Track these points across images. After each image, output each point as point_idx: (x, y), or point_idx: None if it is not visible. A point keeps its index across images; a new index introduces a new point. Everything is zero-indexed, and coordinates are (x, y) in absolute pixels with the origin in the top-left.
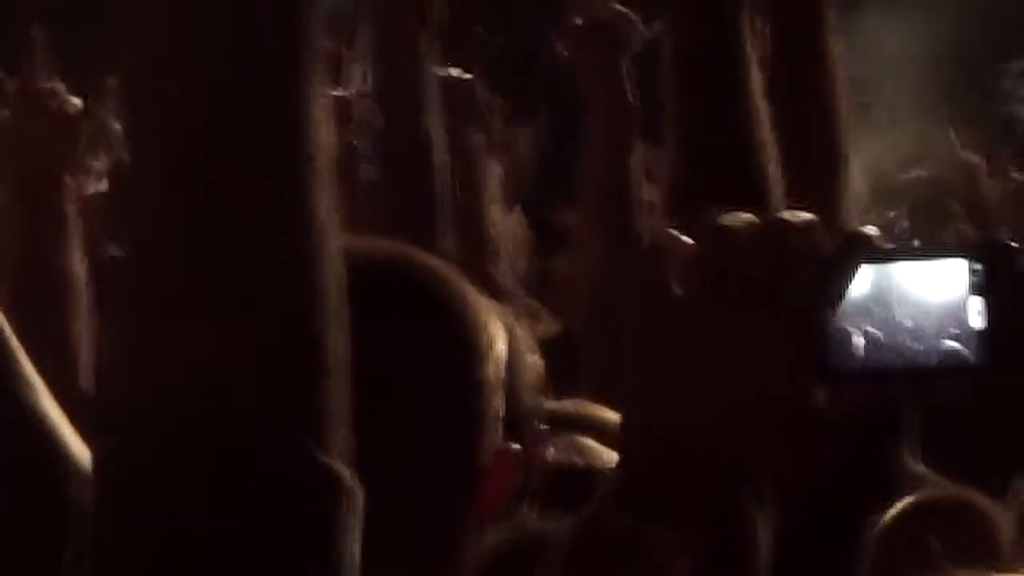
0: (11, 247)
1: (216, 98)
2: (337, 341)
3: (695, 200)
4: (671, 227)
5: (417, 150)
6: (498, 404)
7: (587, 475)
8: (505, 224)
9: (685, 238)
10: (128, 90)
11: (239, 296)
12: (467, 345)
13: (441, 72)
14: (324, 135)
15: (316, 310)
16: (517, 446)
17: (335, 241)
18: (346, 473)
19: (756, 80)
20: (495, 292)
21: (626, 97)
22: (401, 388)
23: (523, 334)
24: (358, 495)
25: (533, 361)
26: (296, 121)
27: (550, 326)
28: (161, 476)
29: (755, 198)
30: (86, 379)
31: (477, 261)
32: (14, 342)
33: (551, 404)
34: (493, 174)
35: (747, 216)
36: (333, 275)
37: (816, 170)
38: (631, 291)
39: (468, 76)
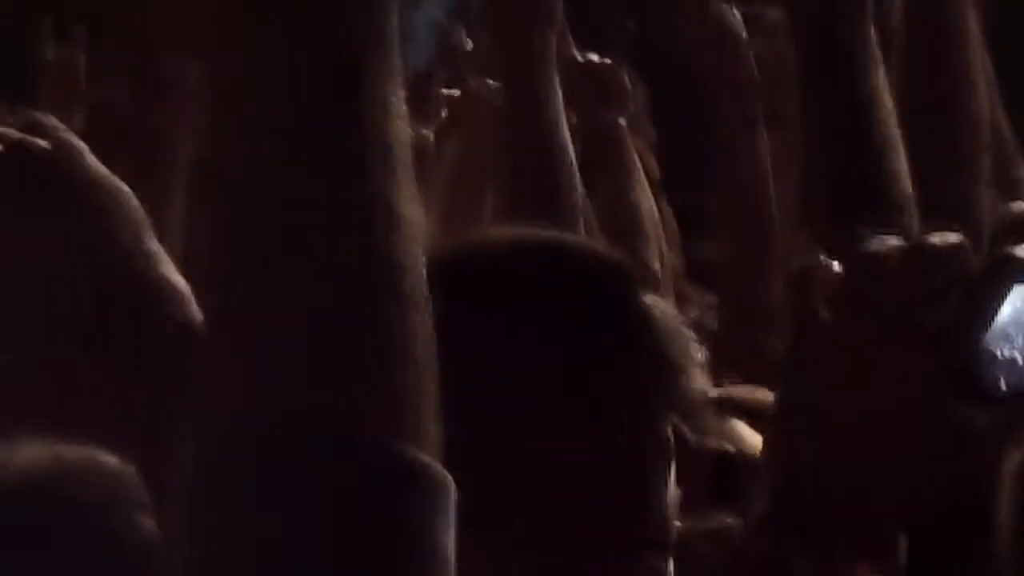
0: None
1: (293, 93)
2: (422, 333)
3: (824, 209)
4: (819, 252)
5: (544, 139)
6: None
7: (737, 462)
8: (652, 210)
9: (834, 264)
10: (208, 86)
11: (321, 292)
12: (637, 331)
13: (582, 57)
14: (402, 128)
15: (400, 303)
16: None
17: (418, 235)
18: (435, 465)
19: (882, 78)
20: (650, 279)
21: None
22: (576, 382)
23: (683, 323)
24: (449, 487)
25: (693, 348)
26: (374, 114)
27: (702, 313)
28: (252, 477)
29: (888, 207)
30: None
31: (628, 249)
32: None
33: (721, 391)
34: (636, 159)
35: (895, 241)
36: (417, 270)
37: (955, 180)
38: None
39: (610, 61)
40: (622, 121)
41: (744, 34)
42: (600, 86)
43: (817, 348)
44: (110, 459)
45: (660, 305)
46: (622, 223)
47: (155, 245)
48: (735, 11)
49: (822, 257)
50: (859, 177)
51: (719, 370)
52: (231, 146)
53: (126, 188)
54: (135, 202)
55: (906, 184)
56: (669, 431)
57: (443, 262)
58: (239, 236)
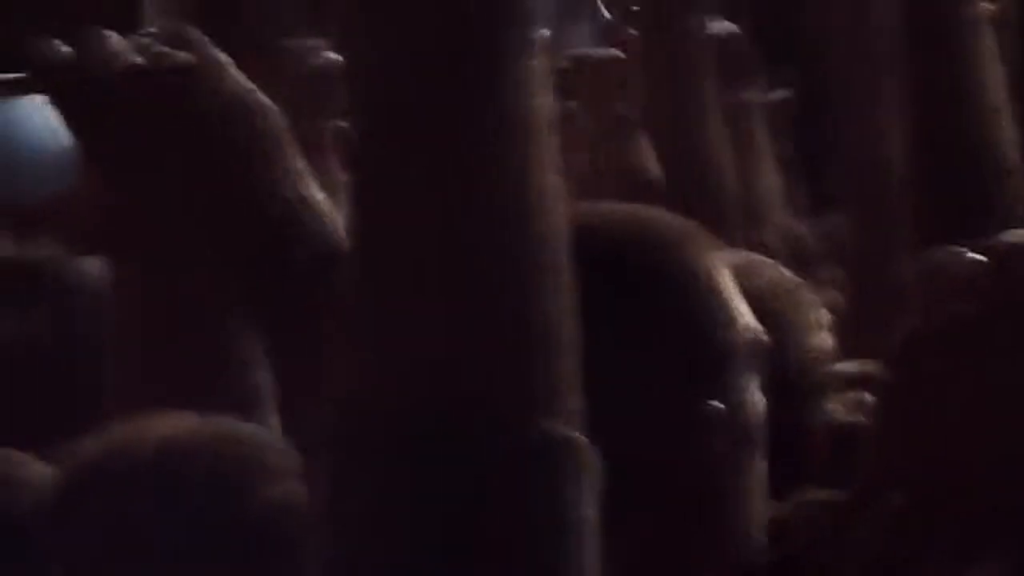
0: None
1: (433, 72)
2: (566, 310)
3: (930, 198)
4: (953, 246)
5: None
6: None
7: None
8: (777, 186)
9: (971, 257)
10: (350, 69)
11: (464, 269)
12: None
13: (709, 26)
14: (543, 101)
15: (543, 277)
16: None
17: (560, 212)
18: (577, 436)
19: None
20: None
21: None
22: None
23: (809, 300)
24: (593, 460)
25: (819, 332)
26: (514, 89)
27: (831, 293)
28: (395, 453)
29: (992, 196)
30: None
31: (753, 226)
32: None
33: (842, 365)
34: (763, 134)
35: None
36: (560, 245)
37: None
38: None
39: (736, 30)
40: (750, 94)
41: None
42: (728, 58)
43: (948, 339)
44: (249, 427)
45: (782, 288)
46: (750, 200)
47: (299, 163)
48: None
49: (954, 249)
50: (969, 147)
51: (851, 346)
52: (374, 125)
53: (271, 104)
54: (279, 119)
55: (1014, 152)
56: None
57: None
58: (385, 212)
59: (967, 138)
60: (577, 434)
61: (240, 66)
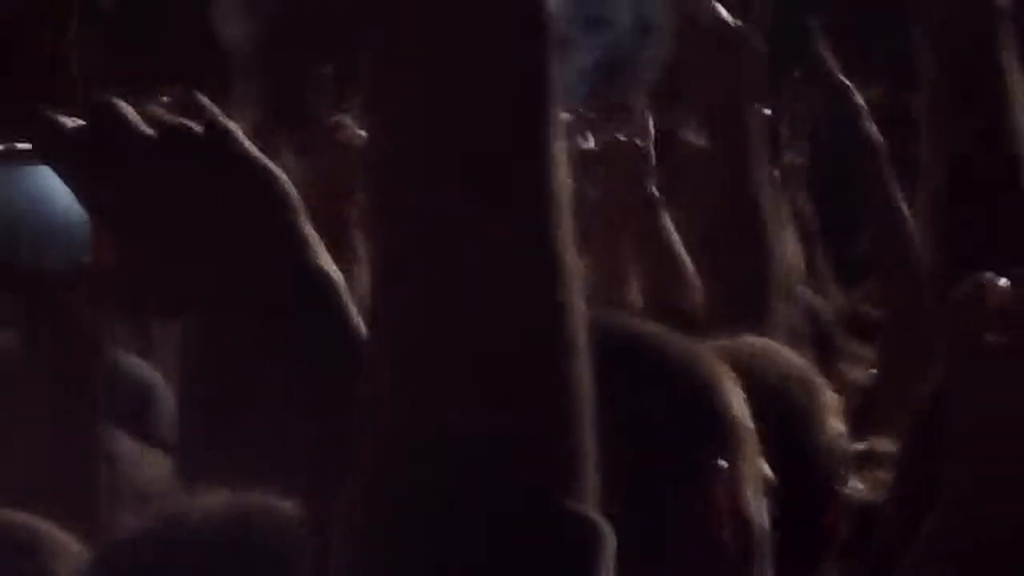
0: None
1: (475, 144)
2: (584, 385)
3: (963, 233)
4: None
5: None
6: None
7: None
8: (797, 257)
9: (1003, 283)
10: (378, 128)
11: (486, 343)
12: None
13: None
14: (566, 178)
15: (564, 351)
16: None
17: (580, 284)
18: (599, 520)
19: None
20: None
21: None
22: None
23: (821, 385)
24: (610, 539)
25: (832, 416)
26: (545, 164)
27: (862, 369)
28: (412, 525)
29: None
30: None
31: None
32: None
33: (862, 444)
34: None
35: None
36: (581, 325)
37: None
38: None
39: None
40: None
41: None
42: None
43: (984, 374)
44: (285, 504)
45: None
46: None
47: (310, 230)
48: None
49: (986, 278)
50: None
51: (872, 423)
52: (412, 189)
53: (281, 172)
54: (290, 186)
55: None
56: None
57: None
58: (415, 278)
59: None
60: (596, 514)
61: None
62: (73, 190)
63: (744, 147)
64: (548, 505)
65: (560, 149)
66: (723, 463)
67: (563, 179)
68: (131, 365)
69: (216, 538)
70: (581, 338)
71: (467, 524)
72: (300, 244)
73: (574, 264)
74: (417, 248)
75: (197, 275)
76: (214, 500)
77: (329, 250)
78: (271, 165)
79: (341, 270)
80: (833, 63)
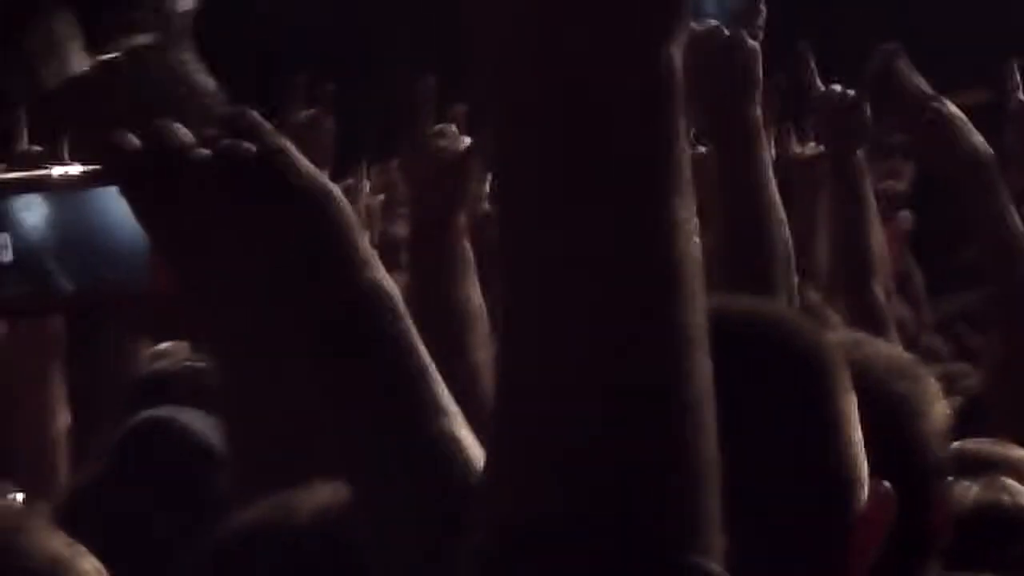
0: (410, 287)
1: (574, 209)
2: (709, 439)
3: None
4: None
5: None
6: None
7: (1013, 515)
8: (880, 247)
9: None
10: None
11: (612, 403)
12: (821, 407)
13: (824, 88)
14: (688, 242)
15: (688, 419)
16: (887, 484)
17: (703, 349)
18: (721, 572)
19: None
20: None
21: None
22: (759, 452)
23: (925, 380)
24: None
25: (937, 409)
26: (661, 228)
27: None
28: None
29: None
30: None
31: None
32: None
33: (969, 445)
34: (871, 195)
35: None
36: (704, 378)
37: None
38: None
39: (852, 93)
40: (860, 154)
41: None
42: (840, 118)
43: None
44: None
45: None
46: (850, 255)
47: (367, 248)
48: None
49: None
50: None
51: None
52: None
53: (337, 190)
54: (347, 204)
55: None
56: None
57: None
58: (545, 348)
59: None
60: (720, 570)
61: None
62: (134, 213)
63: (746, 147)
64: (676, 561)
65: (690, 207)
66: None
67: (692, 237)
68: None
69: (325, 533)
70: (709, 396)
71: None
72: (356, 260)
73: (700, 325)
74: (541, 311)
75: (254, 298)
76: (323, 495)
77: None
78: (326, 182)
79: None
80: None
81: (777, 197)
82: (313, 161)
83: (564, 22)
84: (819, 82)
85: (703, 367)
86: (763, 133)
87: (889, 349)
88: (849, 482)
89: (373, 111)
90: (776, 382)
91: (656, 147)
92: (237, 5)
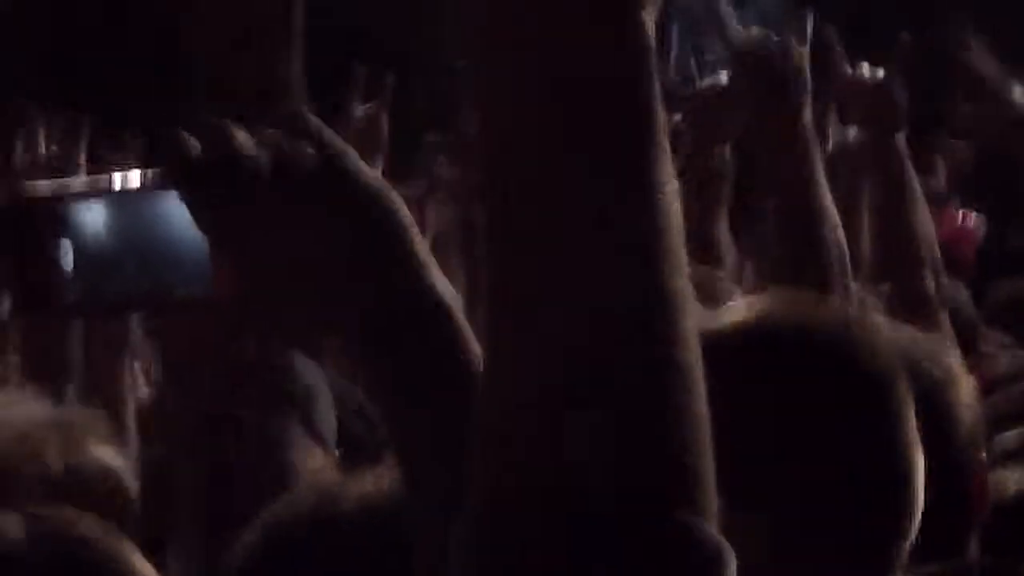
0: None
1: (589, 184)
2: (702, 406)
3: None
4: None
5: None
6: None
7: None
8: (930, 234)
9: None
10: (488, 155)
11: (614, 369)
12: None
13: (854, 72)
14: (670, 206)
15: (682, 378)
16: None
17: (692, 311)
18: (720, 538)
19: None
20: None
21: None
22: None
23: (949, 357)
24: (732, 558)
25: (963, 384)
26: (657, 197)
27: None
28: (535, 549)
29: None
30: None
31: (899, 271)
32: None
33: (1010, 434)
34: (915, 180)
35: None
36: (695, 345)
37: None
38: None
39: (882, 75)
40: (900, 137)
41: None
42: (873, 102)
43: None
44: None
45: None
46: (896, 244)
47: (426, 253)
48: None
49: None
50: None
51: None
52: (521, 221)
53: (395, 194)
54: (404, 208)
55: None
56: None
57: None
58: (535, 317)
59: None
60: (716, 532)
61: None
62: (193, 216)
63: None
64: (669, 523)
65: (668, 175)
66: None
67: (673, 204)
68: (300, 364)
69: (370, 518)
70: (699, 365)
71: (587, 541)
72: (417, 266)
73: (685, 291)
74: (529, 281)
75: (315, 302)
76: (367, 482)
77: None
78: (385, 186)
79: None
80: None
81: (829, 200)
82: (368, 156)
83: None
84: (847, 65)
85: (691, 330)
86: (814, 138)
87: (911, 332)
88: (908, 481)
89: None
90: (839, 396)
91: (636, 112)
92: None
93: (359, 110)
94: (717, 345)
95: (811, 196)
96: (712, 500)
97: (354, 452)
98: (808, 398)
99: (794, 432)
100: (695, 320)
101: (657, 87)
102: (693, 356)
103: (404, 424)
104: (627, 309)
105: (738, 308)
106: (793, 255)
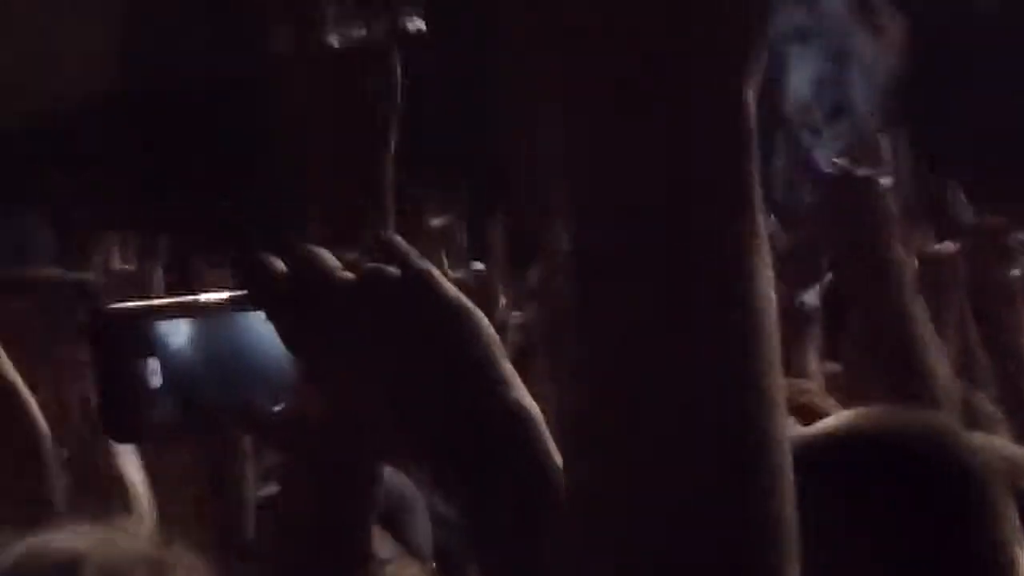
0: None
1: (672, 271)
2: (789, 511)
3: None
4: None
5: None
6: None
7: None
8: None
9: None
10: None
11: (696, 470)
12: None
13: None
14: (767, 289)
15: (771, 479)
16: None
17: (784, 416)
18: None
19: None
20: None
21: None
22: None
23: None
24: None
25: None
26: (747, 284)
27: None
28: None
29: None
30: None
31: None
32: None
33: None
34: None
35: None
36: (784, 446)
37: None
38: None
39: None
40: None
41: None
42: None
43: None
44: None
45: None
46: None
47: (508, 368)
48: None
49: None
50: None
51: None
52: (608, 325)
53: (478, 311)
54: (487, 324)
55: None
56: None
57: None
58: (610, 410)
59: None
60: None
61: None
62: (280, 338)
63: None
64: None
65: (763, 263)
66: None
67: (766, 294)
68: (389, 474)
69: None
70: (787, 466)
71: None
72: (500, 382)
73: (777, 390)
74: (613, 382)
75: (399, 420)
76: None
77: None
78: (468, 304)
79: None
80: None
81: (930, 328)
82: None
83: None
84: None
85: (782, 430)
86: (909, 269)
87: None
88: None
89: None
90: (942, 501)
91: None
92: None
93: (435, 222)
94: (824, 450)
95: (909, 327)
96: None
97: (451, 565)
98: (908, 500)
99: (895, 534)
100: (785, 421)
101: (755, 171)
102: (785, 457)
103: (487, 541)
104: (714, 410)
105: (845, 417)
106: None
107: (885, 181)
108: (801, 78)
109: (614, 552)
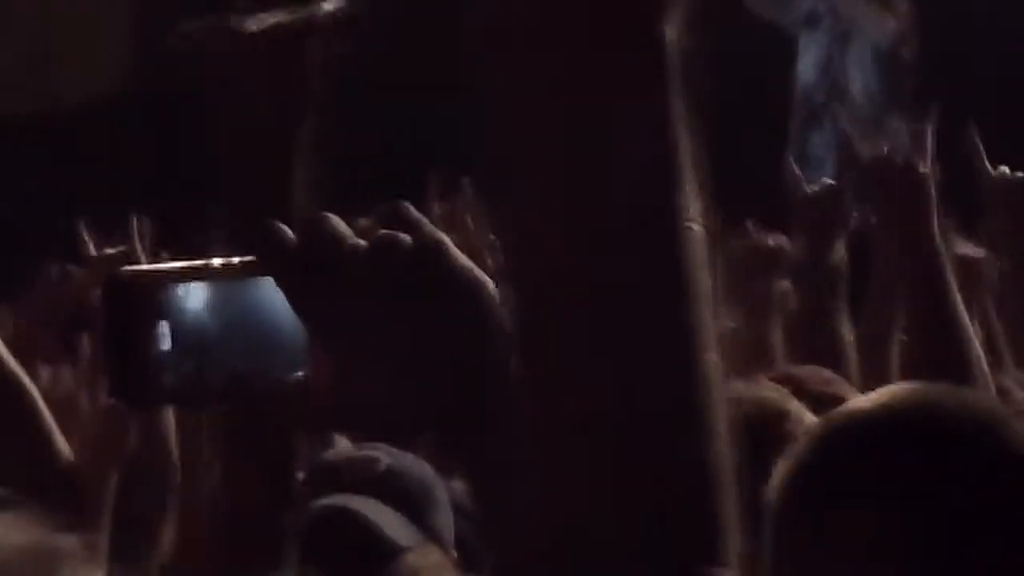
0: None
1: (600, 248)
2: (725, 462)
3: None
4: None
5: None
6: None
7: None
8: None
9: None
10: (510, 251)
11: (648, 430)
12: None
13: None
14: (703, 273)
15: (713, 439)
16: None
17: (721, 386)
18: None
19: None
20: None
21: None
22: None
23: None
24: None
25: None
26: (679, 260)
27: None
28: None
29: None
30: None
31: None
32: None
33: None
34: None
35: None
36: (723, 406)
37: None
38: None
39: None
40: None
41: None
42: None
43: None
44: None
45: None
46: None
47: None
48: None
49: None
50: None
51: None
52: (532, 308)
53: (489, 280)
54: (496, 294)
55: None
56: None
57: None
58: (542, 387)
59: None
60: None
61: None
62: (290, 304)
63: None
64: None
65: (697, 241)
66: None
67: (701, 272)
68: (410, 463)
69: None
70: (728, 426)
71: None
72: (511, 352)
73: (716, 359)
74: (553, 353)
75: (411, 388)
76: None
77: None
78: (483, 276)
79: None
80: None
81: (966, 318)
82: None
83: None
84: (988, 166)
85: (718, 383)
86: (947, 257)
87: None
88: None
89: None
90: (995, 482)
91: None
92: None
93: (437, 209)
94: (877, 425)
95: (943, 307)
96: (736, 548)
97: (471, 553)
98: (961, 480)
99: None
100: (723, 386)
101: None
102: (723, 409)
103: (496, 507)
104: (653, 379)
105: (885, 393)
106: (928, 363)
107: (927, 169)
108: (849, 67)
109: (561, 492)
